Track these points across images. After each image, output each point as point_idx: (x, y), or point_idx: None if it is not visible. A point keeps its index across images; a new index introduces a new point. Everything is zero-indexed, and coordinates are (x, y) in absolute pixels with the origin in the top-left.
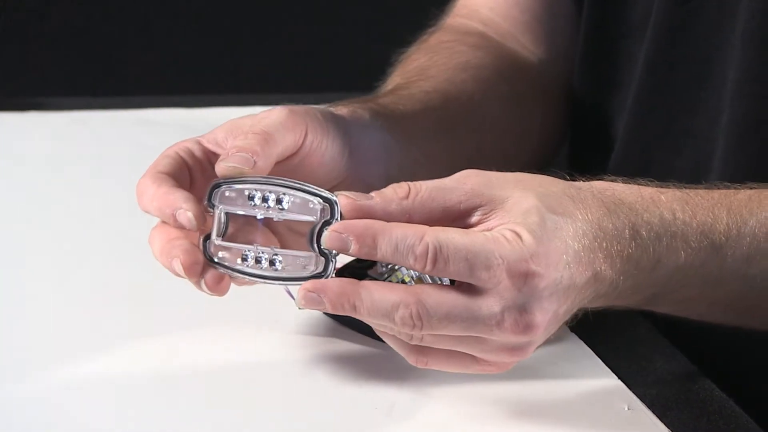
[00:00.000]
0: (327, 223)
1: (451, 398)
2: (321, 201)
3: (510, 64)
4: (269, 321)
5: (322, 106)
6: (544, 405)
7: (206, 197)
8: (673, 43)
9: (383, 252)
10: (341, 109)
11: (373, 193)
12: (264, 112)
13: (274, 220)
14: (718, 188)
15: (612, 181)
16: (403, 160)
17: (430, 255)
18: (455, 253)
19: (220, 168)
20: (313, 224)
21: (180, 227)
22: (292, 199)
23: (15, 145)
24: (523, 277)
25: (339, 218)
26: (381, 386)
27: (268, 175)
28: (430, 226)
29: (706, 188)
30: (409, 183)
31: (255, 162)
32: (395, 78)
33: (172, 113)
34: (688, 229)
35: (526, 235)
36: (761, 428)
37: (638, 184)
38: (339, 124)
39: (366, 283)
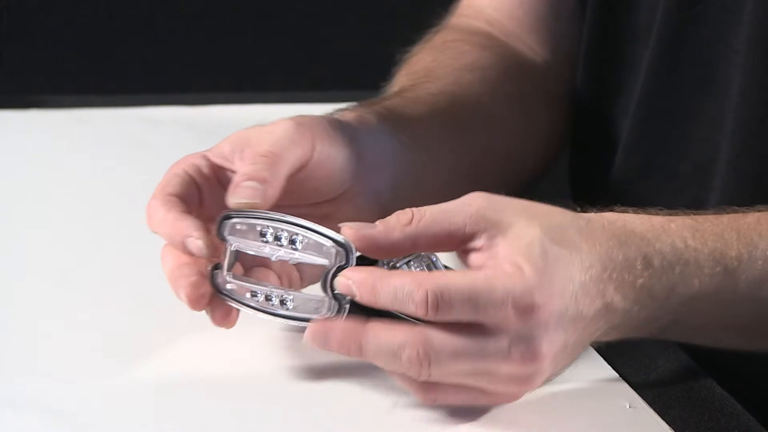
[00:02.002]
0: (341, 268)
1: None
2: (334, 244)
3: (515, 64)
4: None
5: (328, 114)
6: (546, 403)
7: (216, 228)
8: (676, 47)
9: (383, 299)
10: (348, 115)
11: (377, 222)
12: (271, 125)
13: (289, 263)
14: (726, 212)
15: (622, 211)
16: (409, 164)
17: (431, 301)
18: (457, 295)
19: (231, 204)
20: (326, 268)
21: (189, 254)
22: (306, 240)
23: (16, 143)
24: (530, 310)
25: (353, 263)
26: (383, 384)
27: (281, 212)
28: (436, 251)
29: (714, 213)
30: (413, 209)
31: (265, 191)
32: (401, 79)
33: (173, 111)
34: (700, 255)
35: (527, 267)
36: (763, 426)
37: (648, 213)
38: (345, 132)
39: (372, 324)
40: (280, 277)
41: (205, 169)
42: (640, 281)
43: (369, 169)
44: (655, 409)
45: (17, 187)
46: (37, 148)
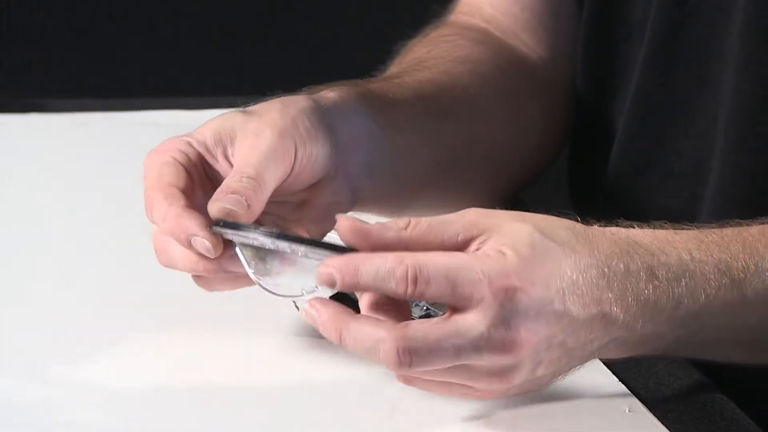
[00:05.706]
0: None
1: (453, 400)
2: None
3: (510, 60)
4: (270, 323)
5: (310, 97)
6: (545, 406)
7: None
8: (671, 44)
9: (365, 279)
10: (327, 94)
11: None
12: (253, 136)
13: (299, 256)
14: (730, 225)
15: (627, 226)
16: (384, 146)
17: (410, 276)
18: (435, 272)
19: (214, 209)
20: None
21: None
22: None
23: (16, 147)
24: (504, 291)
25: None
26: (383, 388)
27: (273, 228)
28: None
29: (718, 226)
30: (410, 218)
31: (249, 206)
32: (392, 69)
33: (173, 115)
34: (706, 267)
35: (510, 253)
36: (762, 430)
37: (652, 227)
38: (324, 120)
39: (359, 316)
40: None
41: (193, 157)
42: (644, 295)
43: (344, 150)
44: (654, 413)
45: (17, 191)
46: (36, 152)
